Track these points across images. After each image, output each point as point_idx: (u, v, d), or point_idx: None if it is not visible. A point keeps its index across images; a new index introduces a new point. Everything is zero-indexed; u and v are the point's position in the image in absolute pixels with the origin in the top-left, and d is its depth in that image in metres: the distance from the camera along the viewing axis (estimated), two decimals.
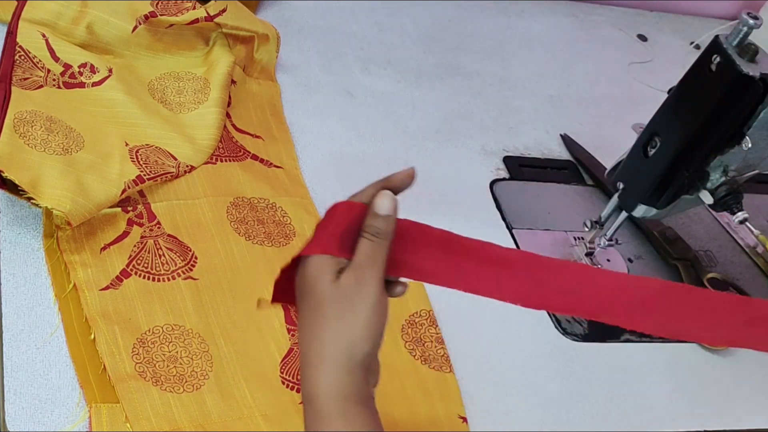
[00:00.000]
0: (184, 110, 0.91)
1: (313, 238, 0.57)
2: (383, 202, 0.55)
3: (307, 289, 0.54)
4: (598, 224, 0.90)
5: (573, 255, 0.96)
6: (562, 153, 1.10)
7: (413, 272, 0.57)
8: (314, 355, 0.52)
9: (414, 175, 0.57)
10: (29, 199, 0.72)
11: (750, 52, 0.73)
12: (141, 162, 0.81)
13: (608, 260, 0.97)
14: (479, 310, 0.83)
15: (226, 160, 0.88)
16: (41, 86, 0.85)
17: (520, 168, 1.05)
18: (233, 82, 0.96)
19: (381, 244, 0.54)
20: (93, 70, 0.89)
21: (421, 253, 0.57)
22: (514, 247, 0.94)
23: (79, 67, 0.88)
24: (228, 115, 0.93)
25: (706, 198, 0.79)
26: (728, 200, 0.78)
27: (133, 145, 0.83)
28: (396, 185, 0.57)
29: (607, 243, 0.90)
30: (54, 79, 0.87)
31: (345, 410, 0.51)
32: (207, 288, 0.76)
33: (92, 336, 0.69)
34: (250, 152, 0.91)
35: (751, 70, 0.72)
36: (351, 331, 0.52)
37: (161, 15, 0.92)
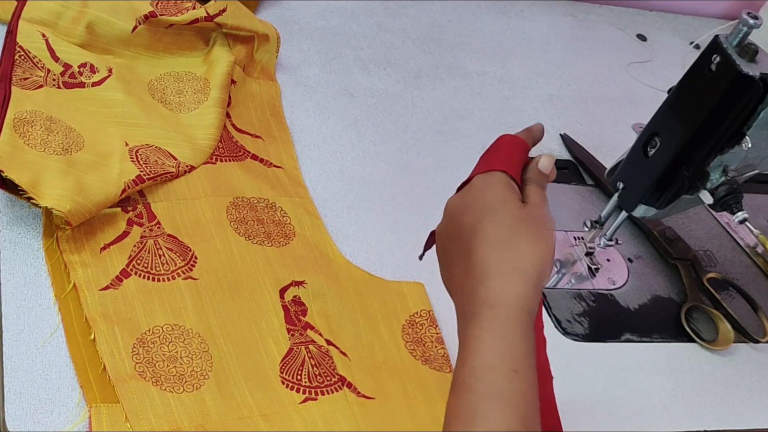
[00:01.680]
0: (184, 110, 0.91)
1: (492, 158, 0.61)
2: (546, 163, 0.62)
3: (495, 205, 0.57)
4: (598, 224, 0.90)
5: (573, 255, 0.96)
6: (562, 153, 1.10)
7: None
8: (506, 265, 0.54)
9: (542, 129, 0.65)
10: (29, 199, 0.72)
11: (750, 52, 0.73)
12: (141, 162, 0.81)
13: (608, 260, 0.97)
14: None
15: (226, 160, 0.88)
16: (41, 86, 0.85)
17: None
18: (233, 82, 0.96)
19: (544, 193, 0.60)
20: (93, 70, 0.89)
21: None
22: None
23: (79, 67, 0.88)
24: (228, 115, 0.93)
25: (706, 198, 0.79)
26: (728, 200, 0.78)
27: (133, 145, 0.83)
28: (536, 137, 0.64)
29: (606, 243, 0.90)
30: (54, 79, 0.87)
31: (526, 324, 0.53)
32: (207, 288, 0.76)
33: (92, 336, 0.69)
34: (250, 152, 0.91)
35: (751, 70, 0.72)
36: (544, 251, 0.55)
37: (161, 15, 0.92)
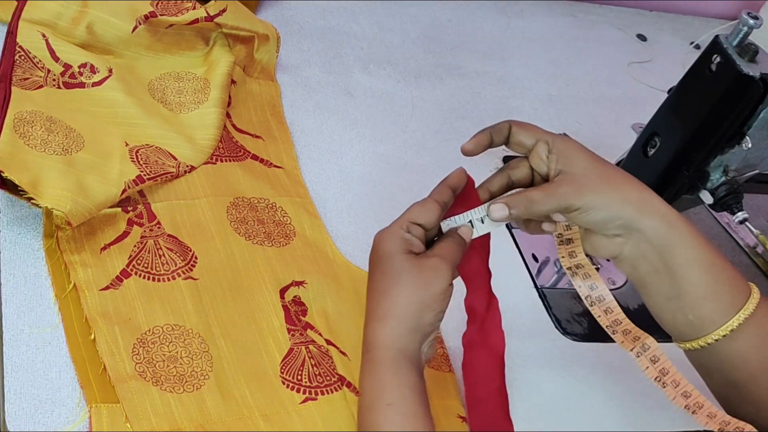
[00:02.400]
0: (184, 110, 0.91)
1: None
2: (464, 233, 0.66)
3: (383, 258, 0.63)
4: None
5: None
6: None
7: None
8: (382, 311, 0.62)
9: (464, 173, 0.68)
10: (29, 199, 0.72)
11: (750, 52, 0.73)
12: (141, 162, 0.81)
13: (608, 260, 0.97)
14: None
15: (226, 160, 0.88)
16: (41, 86, 0.85)
17: None
18: (233, 82, 0.96)
19: (460, 248, 0.65)
20: (93, 70, 0.89)
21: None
22: (513, 246, 0.94)
23: (79, 67, 0.88)
24: (228, 115, 0.93)
25: (706, 198, 0.79)
26: (728, 200, 0.78)
27: (133, 145, 0.83)
28: (454, 182, 0.68)
29: None
30: (54, 79, 0.87)
31: (397, 361, 0.60)
32: (207, 288, 0.76)
33: (92, 336, 0.69)
34: (250, 152, 0.91)
35: (751, 70, 0.72)
36: (423, 299, 0.61)
37: (161, 15, 0.92)
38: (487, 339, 0.67)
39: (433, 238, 0.67)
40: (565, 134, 0.68)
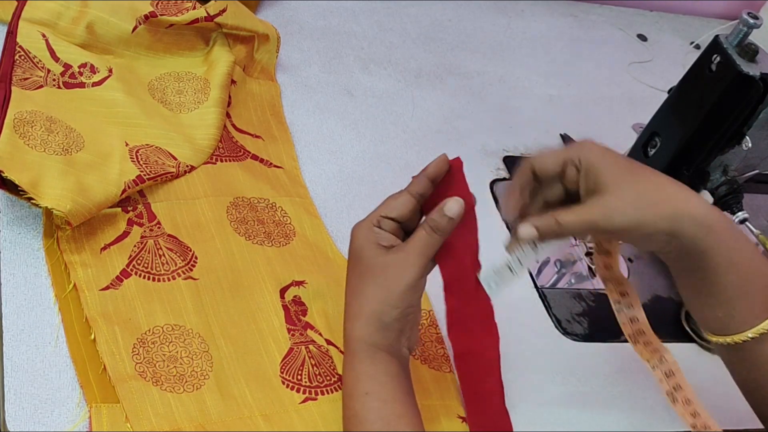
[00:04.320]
0: (184, 110, 0.91)
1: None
2: (454, 207, 0.64)
3: (354, 255, 0.65)
4: None
5: (573, 255, 0.96)
6: None
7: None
8: (352, 311, 0.64)
9: (445, 159, 0.66)
10: (29, 199, 0.72)
11: (750, 52, 0.73)
12: (141, 162, 0.81)
13: None
14: None
15: (226, 160, 0.88)
16: (41, 86, 0.85)
17: None
18: (233, 82, 0.96)
19: (436, 239, 0.63)
20: (93, 70, 0.89)
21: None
22: None
23: (79, 67, 0.88)
24: (228, 115, 0.93)
25: (706, 198, 0.79)
26: (728, 200, 0.79)
27: (133, 145, 0.83)
28: (432, 172, 0.66)
29: None
30: (54, 79, 0.87)
31: (372, 353, 0.62)
32: (207, 288, 0.76)
33: (92, 336, 0.69)
34: (250, 152, 0.91)
35: (751, 70, 0.72)
36: (384, 298, 0.62)
37: (161, 15, 0.92)
38: (475, 346, 0.66)
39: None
40: (590, 141, 0.65)
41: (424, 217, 0.65)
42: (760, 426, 0.86)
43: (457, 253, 0.65)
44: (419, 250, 0.62)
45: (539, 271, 0.93)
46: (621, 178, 0.62)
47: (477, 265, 0.65)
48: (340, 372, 0.74)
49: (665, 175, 0.63)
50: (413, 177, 0.66)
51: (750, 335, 0.62)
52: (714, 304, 0.64)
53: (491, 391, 0.68)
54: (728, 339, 0.64)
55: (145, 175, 0.80)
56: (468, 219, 0.65)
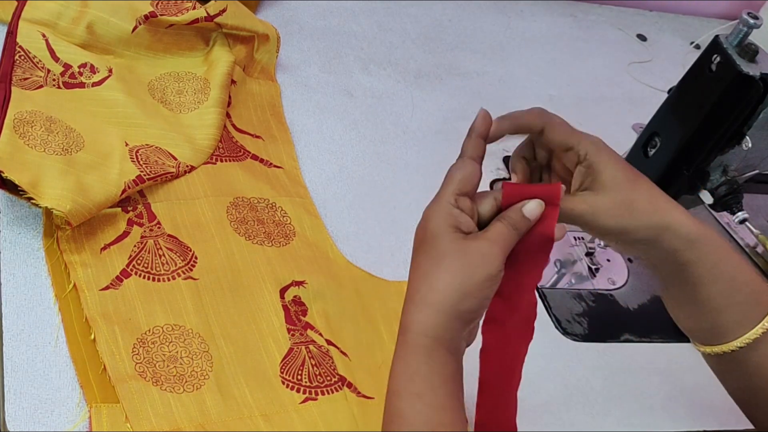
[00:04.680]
0: (184, 110, 0.91)
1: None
2: (534, 209, 0.60)
3: (429, 237, 0.59)
4: None
5: (573, 255, 0.96)
6: None
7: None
8: (420, 296, 0.57)
9: (488, 116, 0.63)
10: (29, 199, 0.72)
11: (750, 52, 0.73)
12: (141, 162, 0.81)
13: (608, 260, 0.97)
14: None
15: (226, 160, 0.88)
16: (41, 86, 0.85)
17: None
18: (233, 82, 0.96)
19: (514, 235, 0.59)
20: (93, 70, 0.89)
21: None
22: None
23: (79, 67, 0.88)
24: (228, 115, 0.93)
25: (706, 198, 0.79)
26: (728, 200, 0.78)
27: (133, 145, 0.83)
28: (485, 132, 0.62)
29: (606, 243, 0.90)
30: (54, 79, 0.87)
31: (431, 348, 0.57)
32: (207, 288, 0.76)
33: (92, 336, 0.69)
34: (250, 152, 0.91)
35: (751, 70, 0.72)
36: (464, 285, 0.57)
37: (161, 15, 0.92)
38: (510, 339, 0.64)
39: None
40: (600, 141, 0.64)
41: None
42: None
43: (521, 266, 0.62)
44: (501, 242, 0.58)
45: None
46: (619, 185, 0.61)
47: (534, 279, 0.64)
48: (341, 372, 0.74)
49: (659, 189, 0.63)
50: (466, 140, 0.62)
51: (737, 345, 0.62)
52: (699, 315, 0.64)
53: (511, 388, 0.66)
54: (715, 349, 0.64)
55: (145, 175, 0.80)
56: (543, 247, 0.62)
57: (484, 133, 0.62)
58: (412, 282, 0.59)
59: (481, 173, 0.60)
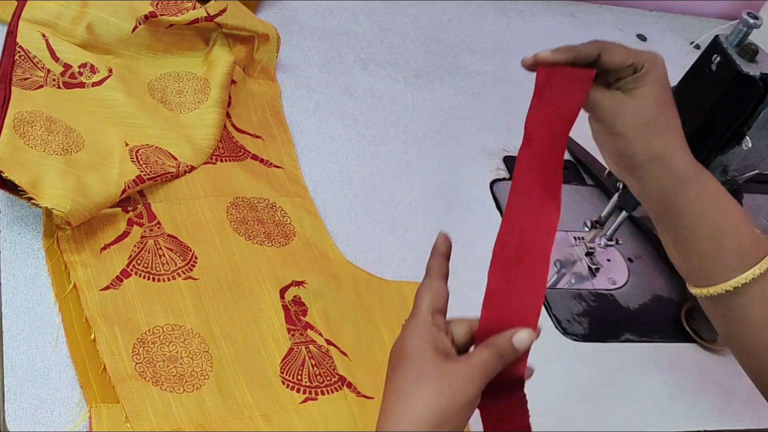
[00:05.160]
0: (184, 110, 0.91)
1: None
2: (524, 340, 0.57)
3: (408, 357, 0.56)
4: (598, 224, 0.90)
5: (573, 255, 0.96)
6: None
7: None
8: (396, 416, 0.55)
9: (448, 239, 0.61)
10: (29, 199, 0.72)
11: (750, 52, 0.73)
12: (141, 162, 0.81)
13: (608, 260, 0.97)
14: (479, 311, 0.82)
15: (226, 160, 0.88)
16: (41, 86, 0.85)
17: None
18: (233, 82, 0.96)
19: (499, 364, 0.57)
20: (93, 70, 0.89)
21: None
22: None
23: (79, 67, 0.88)
24: (228, 115, 0.93)
25: None
26: None
27: (133, 145, 0.83)
28: (447, 250, 0.61)
29: (607, 243, 0.90)
30: (54, 79, 0.87)
31: None
32: (207, 288, 0.76)
33: (92, 336, 0.69)
34: (250, 152, 0.91)
35: (751, 70, 0.72)
36: (442, 410, 0.54)
37: (161, 15, 0.92)
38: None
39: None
40: (661, 58, 0.65)
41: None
42: (760, 426, 0.86)
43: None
44: (482, 370, 0.56)
45: None
46: (648, 101, 0.63)
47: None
48: (340, 372, 0.74)
49: (681, 131, 0.65)
50: (430, 260, 0.61)
51: (724, 288, 0.63)
52: (689, 256, 0.65)
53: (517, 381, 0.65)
54: (705, 291, 0.65)
55: (145, 175, 0.80)
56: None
57: (446, 253, 0.61)
58: (387, 400, 0.57)
59: (448, 292, 0.59)
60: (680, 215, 0.64)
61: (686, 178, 0.63)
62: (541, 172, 0.62)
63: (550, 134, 0.63)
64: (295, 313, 0.77)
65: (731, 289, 0.63)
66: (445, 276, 0.60)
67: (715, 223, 0.63)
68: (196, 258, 0.78)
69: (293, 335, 0.75)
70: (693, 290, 0.67)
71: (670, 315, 0.93)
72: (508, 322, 0.58)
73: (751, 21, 0.72)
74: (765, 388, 0.65)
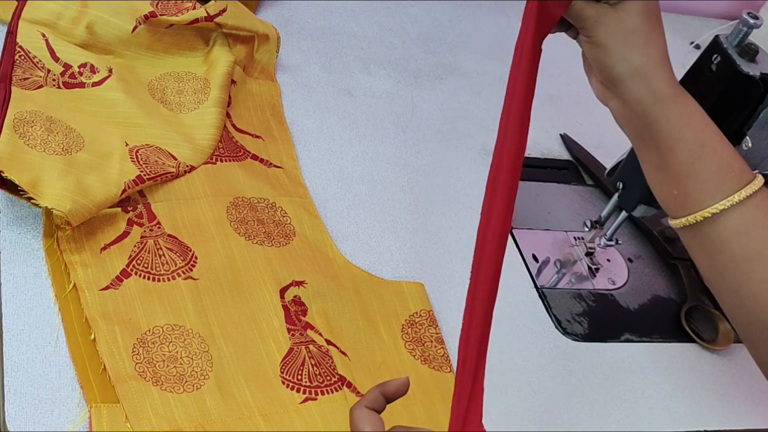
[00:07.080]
0: (184, 110, 0.91)
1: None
2: (401, 389, 0.58)
3: None
4: (598, 224, 0.90)
5: (573, 255, 0.96)
6: (562, 153, 1.10)
7: None
8: None
9: (408, 384, 0.59)
10: (29, 199, 0.72)
11: (750, 52, 0.73)
12: (141, 162, 0.81)
13: (608, 260, 0.97)
14: None
15: (226, 160, 0.88)
16: (41, 86, 0.85)
17: None
18: (233, 82, 0.96)
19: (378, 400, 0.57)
20: (93, 70, 0.89)
21: None
22: (514, 246, 0.94)
23: (79, 67, 0.88)
24: (228, 115, 0.93)
25: None
26: None
27: (133, 145, 0.83)
28: (391, 392, 0.58)
29: (606, 243, 0.90)
30: (54, 79, 0.87)
31: None
32: (207, 288, 0.76)
33: (92, 336, 0.69)
34: (250, 152, 0.91)
35: (751, 70, 0.72)
36: None
37: (161, 15, 0.92)
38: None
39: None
40: None
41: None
42: (760, 426, 0.86)
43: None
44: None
45: (539, 271, 0.93)
46: (637, 12, 0.62)
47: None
48: (340, 372, 0.74)
49: (665, 48, 0.65)
50: (378, 389, 0.59)
51: (702, 215, 0.62)
52: (667, 181, 0.64)
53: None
54: (683, 221, 0.63)
55: (145, 175, 0.80)
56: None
57: (388, 396, 0.59)
58: None
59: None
60: (659, 133, 0.62)
61: (666, 95, 0.62)
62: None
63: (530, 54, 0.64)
64: (295, 313, 0.77)
65: (709, 215, 0.61)
66: (382, 407, 0.59)
67: (695, 143, 0.62)
68: (196, 258, 0.78)
69: (293, 335, 0.75)
70: (672, 222, 0.65)
71: (670, 315, 0.93)
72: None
73: (751, 21, 0.72)
74: (746, 329, 0.63)
